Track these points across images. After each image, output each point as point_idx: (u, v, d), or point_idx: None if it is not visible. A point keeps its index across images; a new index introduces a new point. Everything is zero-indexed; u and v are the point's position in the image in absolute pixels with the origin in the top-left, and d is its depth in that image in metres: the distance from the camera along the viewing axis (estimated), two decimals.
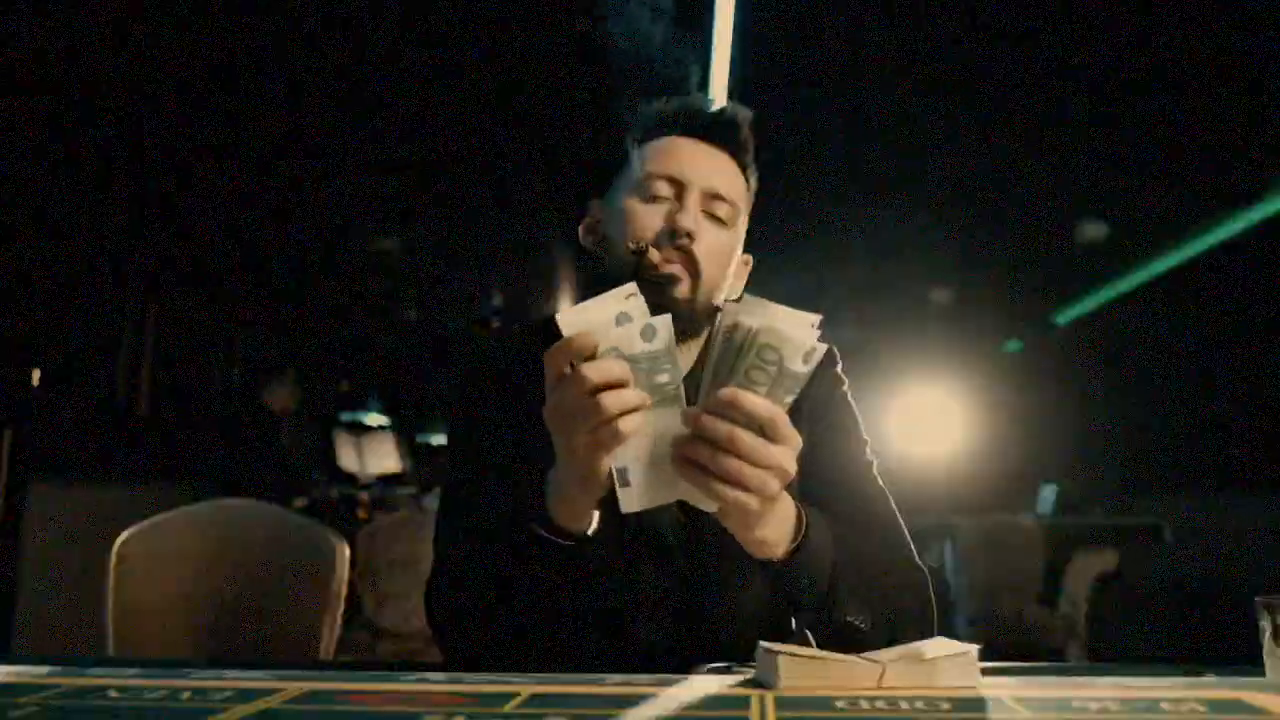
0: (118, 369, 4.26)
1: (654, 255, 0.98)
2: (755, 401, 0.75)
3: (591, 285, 1.08)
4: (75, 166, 3.81)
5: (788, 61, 3.75)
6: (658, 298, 0.96)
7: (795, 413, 0.89)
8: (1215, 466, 4.87)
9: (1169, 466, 5.38)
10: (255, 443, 3.89)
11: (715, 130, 1.08)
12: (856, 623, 0.89)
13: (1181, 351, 5.46)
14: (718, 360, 0.77)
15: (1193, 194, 4.89)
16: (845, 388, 1.13)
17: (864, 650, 0.75)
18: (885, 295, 6.55)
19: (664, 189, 1.03)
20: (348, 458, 5.27)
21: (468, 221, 5.57)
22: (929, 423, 6.02)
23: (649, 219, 1.01)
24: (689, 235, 0.99)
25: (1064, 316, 6.97)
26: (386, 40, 3.73)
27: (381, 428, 6.75)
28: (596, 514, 0.87)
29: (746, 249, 1.12)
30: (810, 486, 1.00)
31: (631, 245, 0.99)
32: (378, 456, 5.38)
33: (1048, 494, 5.86)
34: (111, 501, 3.42)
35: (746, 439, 0.75)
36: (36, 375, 3.11)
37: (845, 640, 0.87)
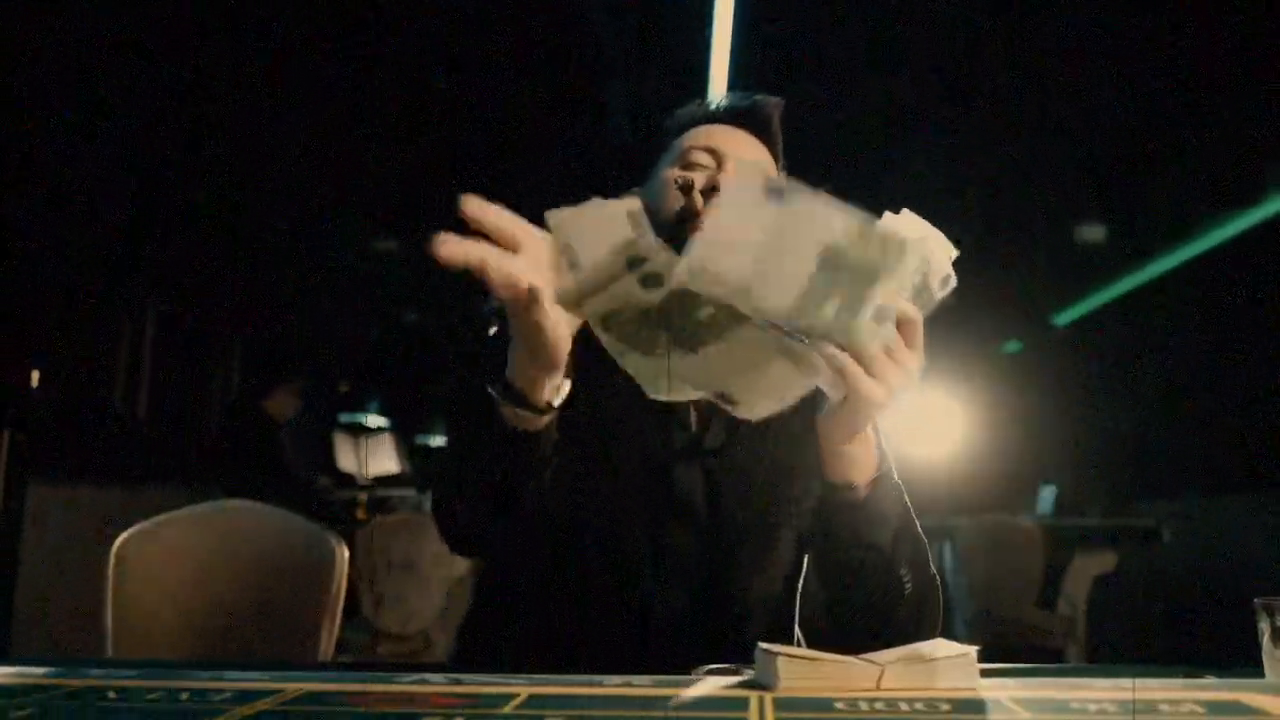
0: (117, 369, 4.25)
1: (698, 199, 1.00)
2: (904, 303, 0.78)
3: None
4: (76, 166, 3.80)
5: (783, 52, 3.75)
6: None
7: (804, 415, 0.90)
8: (1214, 467, 4.86)
9: (1168, 467, 5.37)
10: (255, 444, 3.88)
11: (749, 118, 1.12)
12: (904, 579, 0.93)
13: (1180, 352, 5.46)
14: None
15: (1193, 194, 4.88)
16: None
17: (863, 650, 0.75)
18: None
19: (704, 158, 1.07)
20: (347, 459, 5.26)
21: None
22: (928, 423, 6.00)
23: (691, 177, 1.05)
24: None
25: (1064, 317, 6.96)
26: (384, 41, 3.73)
27: (381, 429, 6.74)
28: (562, 389, 0.86)
29: None
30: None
31: (679, 181, 1.02)
32: (377, 458, 5.37)
33: (1047, 495, 5.86)
34: (111, 501, 3.42)
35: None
36: (36, 375, 3.11)
37: (873, 606, 0.92)
